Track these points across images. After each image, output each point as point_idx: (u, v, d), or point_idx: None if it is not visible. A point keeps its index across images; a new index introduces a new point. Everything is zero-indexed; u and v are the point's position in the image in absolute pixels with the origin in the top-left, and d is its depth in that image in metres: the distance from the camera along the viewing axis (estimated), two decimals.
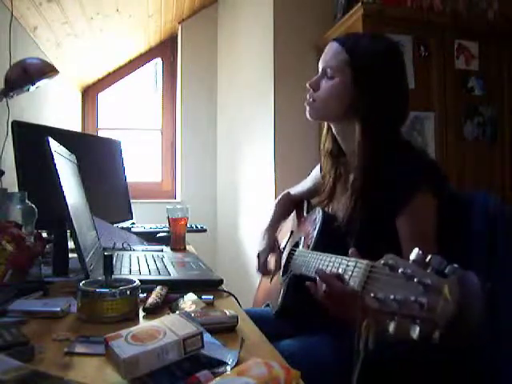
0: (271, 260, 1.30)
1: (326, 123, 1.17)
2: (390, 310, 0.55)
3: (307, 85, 1.10)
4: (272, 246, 1.32)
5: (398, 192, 0.95)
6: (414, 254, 0.56)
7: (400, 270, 0.55)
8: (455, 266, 0.50)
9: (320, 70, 1.09)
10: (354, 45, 1.04)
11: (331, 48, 1.07)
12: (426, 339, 0.50)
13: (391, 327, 0.55)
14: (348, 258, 0.75)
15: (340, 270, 0.77)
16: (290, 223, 1.41)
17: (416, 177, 0.96)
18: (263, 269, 1.30)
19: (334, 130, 1.12)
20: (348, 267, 0.74)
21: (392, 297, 0.54)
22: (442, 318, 0.48)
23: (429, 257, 0.53)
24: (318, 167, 1.34)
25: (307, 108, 1.11)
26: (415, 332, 0.51)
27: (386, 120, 1.04)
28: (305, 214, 1.35)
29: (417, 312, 0.51)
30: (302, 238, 1.19)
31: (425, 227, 0.95)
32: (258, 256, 1.32)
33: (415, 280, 0.52)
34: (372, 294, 0.58)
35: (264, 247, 1.32)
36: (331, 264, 0.82)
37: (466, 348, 0.89)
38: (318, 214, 1.14)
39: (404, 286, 0.54)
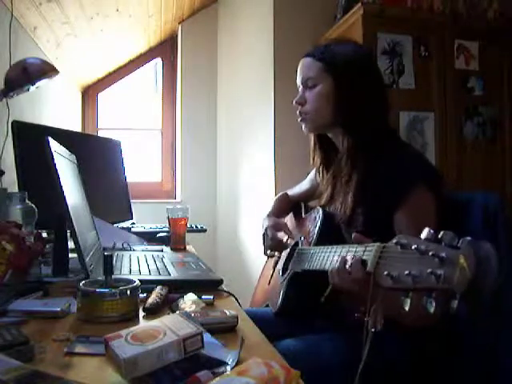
0: (280, 234, 1.27)
1: (312, 139, 1.19)
2: (404, 286, 0.56)
3: (293, 103, 1.13)
4: (276, 223, 1.29)
5: (395, 188, 0.96)
6: (425, 232, 0.56)
7: (413, 247, 0.56)
8: (468, 238, 0.51)
9: (300, 85, 1.13)
10: (323, 53, 1.09)
11: (304, 62, 1.12)
12: (442, 311, 0.51)
13: (406, 304, 0.55)
14: (355, 245, 0.76)
15: (349, 256, 0.77)
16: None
17: (412, 173, 0.98)
18: (273, 243, 1.26)
19: (334, 140, 1.13)
20: (357, 252, 0.74)
21: (407, 272, 0.55)
22: (459, 287, 0.49)
23: (441, 233, 0.54)
24: (314, 169, 1.34)
25: (302, 125, 1.14)
26: (432, 305, 0.52)
27: (370, 111, 1.06)
28: (303, 215, 1.35)
29: (433, 284, 0.52)
30: (302, 237, 1.19)
31: (423, 222, 0.95)
32: (264, 237, 1.29)
33: (429, 254, 0.53)
34: (385, 272, 0.58)
35: (268, 225, 1.29)
36: (338, 252, 0.82)
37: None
38: (318, 213, 1.14)
39: (418, 261, 0.55)
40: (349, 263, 0.73)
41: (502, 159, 2.17)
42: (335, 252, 0.84)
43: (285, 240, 1.26)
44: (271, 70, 2.42)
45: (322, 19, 2.38)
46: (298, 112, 1.13)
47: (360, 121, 1.05)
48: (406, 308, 0.55)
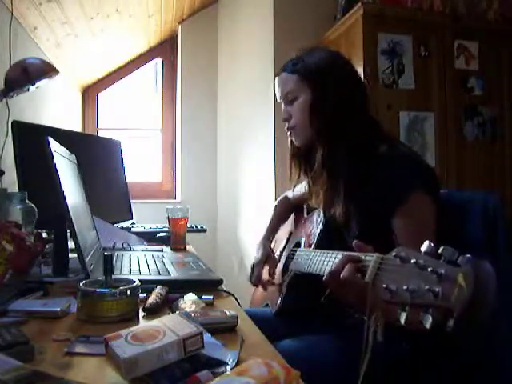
0: (265, 270, 1.28)
1: (289, 153, 1.19)
2: (402, 300, 0.55)
3: (281, 120, 1.14)
4: (267, 256, 1.30)
5: (393, 193, 0.95)
6: (425, 246, 0.56)
7: (412, 261, 0.55)
8: (468, 256, 0.51)
9: (281, 101, 1.13)
10: (295, 64, 1.08)
11: (280, 79, 1.12)
12: (438, 328, 0.51)
13: (403, 318, 0.55)
14: (355, 253, 0.74)
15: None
16: (287, 225, 1.41)
17: (410, 177, 0.96)
18: (257, 281, 1.28)
19: (321, 151, 1.10)
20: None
21: (405, 287, 0.55)
22: (456, 306, 0.49)
23: (441, 248, 0.53)
24: None
25: (292, 139, 1.15)
26: (428, 321, 0.52)
27: (349, 116, 1.04)
28: (305, 215, 1.35)
29: (430, 301, 0.51)
30: (303, 238, 1.19)
31: (421, 227, 0.95)
32: (252, 268, 1.30)
33: (428, 270, 0.52)
34: (384, 285, 0.58)
35: (259, 259, 1.29)
36: (338, 258, 0.81)
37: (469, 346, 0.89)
38: (319, 215, 1.14)
39: (417, 276, 0.54)
40: (346, 271, 0.72)
41: (501, 159, 2.18)
42: (335, 258, 0.83)
43: (267, 279, 1.27)
44: (271, 70, 2.42)
45: (321, 19, 2.38)
46: (285, 128, 1.13)
47: (339, 128, 1.03)
48: (402, 321, 0.55)
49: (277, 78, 1.13)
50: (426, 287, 0.52)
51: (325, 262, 0.89)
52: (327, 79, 1.04)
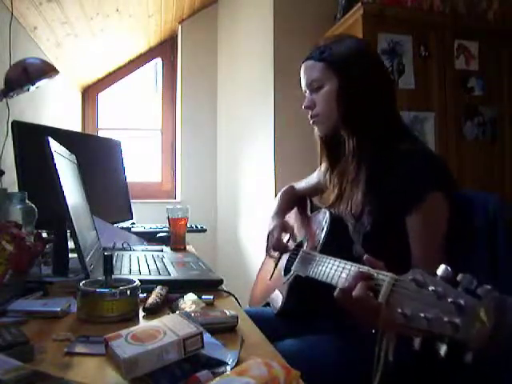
0: (285, 238, 1.26)
1: (318, 144, 1.17)
2: (417, 326, 0.54)
3: (303, 108, 1.12)
4: (283, 223, 1.27)
5: (412, 189, 0.95)
6: (442, 270, 0.54)
7: (430, 288, 0.54)
8: (488, 287, 0.49)
9: (306, 89, 1.12)
10: (323, 53, 1.07)
11: (306, 66, 1.11)
12: (454, 358, 0.49)
13: (417, 343, 0.54)
14: (366, 268, 0.72)
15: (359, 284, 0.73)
16: (290, 221, 1.40)
17: (431, 176, 0.96)
18: (277, 245, 1.23)
19: (350, 140, 1.09)
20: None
21: (422, 314, 0.53)
22: (476, 341, 0.47)
23: (459, 276, 0.52)
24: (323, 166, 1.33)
25: (315, 128, 1.13)
26: (443, 350, 0.50)
27: (377, 107, 1.04)
28: (308, 213, 1.34)
29: (449, 333, 0.50)
30: (307, 238, 1.18)
31: (435, 227, 0.94)
32: (268, 236, 1.27)
33: (448, 300, 0.51)
34: (399, 310, 0.57)
35: (275, 224, 1.27)
36: (347, 271, 0.80)
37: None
38: (324, 215, 1.13)
39: (435, 305, 0.53)
40: (358, 289, 0.70)
41: (501, 159, 2.18)
42: (343, 268, 0.82)
43: (289, 244, 1.25)
44: (271, 70, 2.42)
45: (321, 19, 2.38)
46: (309, 116, 1.11)
47: (366, 118, 1.03)
48: (416, 346, 0.54)
49: (302, 66, 1.12)
50: (446, 319, 0.50)
51: (331, 270, 0.87)
52: (355, 68, 1.04)
